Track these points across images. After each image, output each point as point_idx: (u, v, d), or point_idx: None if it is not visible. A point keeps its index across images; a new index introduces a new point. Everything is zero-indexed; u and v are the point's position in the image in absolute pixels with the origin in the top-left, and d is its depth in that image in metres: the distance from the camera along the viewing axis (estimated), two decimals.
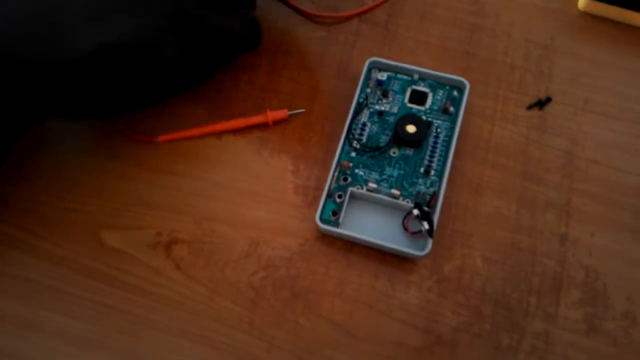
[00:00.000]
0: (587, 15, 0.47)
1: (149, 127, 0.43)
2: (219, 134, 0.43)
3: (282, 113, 0.43)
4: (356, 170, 0.41)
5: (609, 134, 0.43)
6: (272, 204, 0.41)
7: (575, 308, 0.38)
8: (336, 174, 0.40)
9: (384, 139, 0.42)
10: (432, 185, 0.40)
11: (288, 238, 0.40)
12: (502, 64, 0.45)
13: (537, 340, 0.37)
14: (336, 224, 0.39)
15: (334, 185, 0.40)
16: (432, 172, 0.40)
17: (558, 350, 0.37)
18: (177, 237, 0.40)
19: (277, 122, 0.43)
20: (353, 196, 0.40)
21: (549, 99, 0.44)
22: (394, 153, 0.41)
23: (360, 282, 0.39)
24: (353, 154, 0.41)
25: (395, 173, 0.40)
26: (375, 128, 0.42)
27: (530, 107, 0.44)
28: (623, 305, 0.38)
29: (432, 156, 0.41)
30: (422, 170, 0.40)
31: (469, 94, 0.43)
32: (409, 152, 0.41)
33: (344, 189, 0.40)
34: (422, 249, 0.38)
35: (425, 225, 0.36)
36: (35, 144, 0.43)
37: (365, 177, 0.40)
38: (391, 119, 0.42)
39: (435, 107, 0.42)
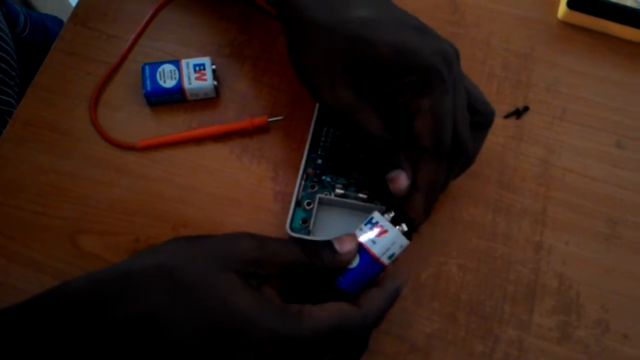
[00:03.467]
0: (566, 25, 0.47)
1: (128, 132, 0.43)
2: (199, 141, 0.43)
3: (261, 120, 0.43)
4: (323, 177, 0.41)
5: (585, 143, 0.43)
6: (251, 211, 0.41)
7: (548, 316, 0.38)
8: (303, 182, 0.40)
9: (349, 144, 0.41)
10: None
11: None
12: (480, 72, 0.46)
13: (511, 347, 0.38)
14: (307, 231, 0.39)
15: (302, 193, 0.40)
16: None
17: (531, 358, 0.37)
18: (155, 243, 0.40)
19: (257, 129, 0.43)
20: (322, 202, 0.40)
21: (526, 108, 0.44)
22: (360, 156, 0.41)
23: None
24: (319, 161, 0.41)
25: (362, 177, 0.40)
26: (338, 133, 0.42)
27: (507, 116, 0.44)
28: (596, 313, 0.38)
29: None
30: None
31: None
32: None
33: (312, 196, 0.40)
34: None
35: (404, 227, 0.35)
36: (10, 148, 0.43)
37: (332, 183, 0.40)
38: None
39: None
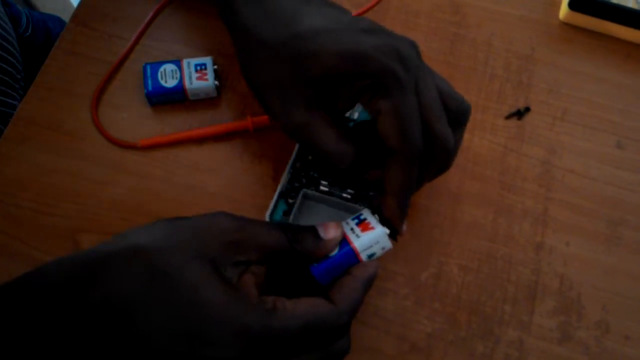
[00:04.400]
0: (567, 26, 0.48)
1: (129, 132, 0.43)
2: (200, 140, 0.43)
3: (263, 119, 0.43)
4: (311, 172, 0.40)
5: (586, 144, 0.43)
6: (252, 211, 0.41)
7: (549, 317, 0.38)
8: (290, 175, 0.40)
9: None
10: (381, 193, 0.39)
11: None
12: (482, 73, 0.46)
13: (511, 348, 0.38)
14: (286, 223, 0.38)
15: (287, 185, 0.40)
16: (382, 181, 0.39)
17: (532, 359, 0.37)
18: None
19: (259, 129, 0.43)
20: (306, 197, 0.40)
21: (527, 109, 0.44)
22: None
23: None
24: (310, 157, 0.41)
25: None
26: None
27: (509, 117, 0.44)
28: (597, 314, 0.38)
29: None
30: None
31: None
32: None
33: (297, 190, 0.40)
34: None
35: (387, 230, 0.34)
36: (12, 147, 0.43)
37: (318, 179, 0.40)
38: (350, 124, 0.41)
39: None
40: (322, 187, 0.39)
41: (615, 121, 0.44)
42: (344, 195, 0.39)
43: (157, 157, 0.43)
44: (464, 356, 0.37)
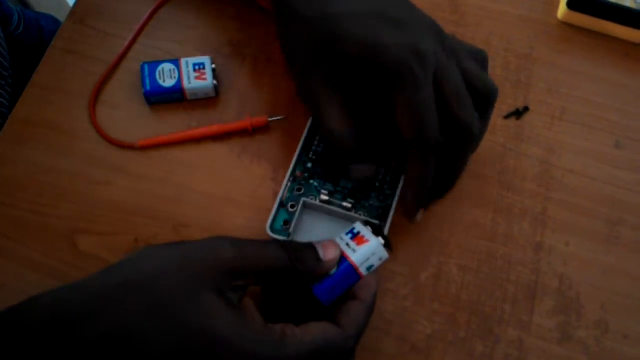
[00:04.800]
0: (566, 25, 0.48)
1: (127, 131, 0.43)
2: (198, 140, 0.43)
3: (262, 119, 0.43)
4: (311, 181, 0.40)
5: (585, 144, 0.43)
6: (251, 211, 0.41)
7: (549, 316, 0.38)
8: (289, 183, 0.40)
9: None
10: (385, 199, 0.39)
11: None
12: None
13: (511, 348, 0.38)
14: (287, 234, 0.38)
15: (287, 194, 0.39)
16: (386, 186, 0.40)
17: (531, 358, 0.37)
18: (154, 243, 0.40)
19: (258, 129, 0.43)
20: (306, 206, 0.40)
21: (526, 109, 0.44)
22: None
23: None
24: (309, 165, 0.40)
25: (350, 186, 0.40)
26: None
27: (508, 117, 0.44)
28: (596, 314, 0.39)
29: (386, 170, 0.40)
30: (376, 183, 0.40)
31: None
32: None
33: (297, 199, 0.39)
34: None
35: (381, 240, 0.34)
36: (8, 147, 0.42)
37: (319, 188, 0.40)
38: None
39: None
40: (322, 197, 0.39)
41: (614, 121, 0.44)
42: (344, 204, 0.39)
43: (156, 157, 0.42)
44: (463, 356, 0.37)
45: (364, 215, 0.39)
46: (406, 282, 0.39)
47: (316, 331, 0.30)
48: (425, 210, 0.38)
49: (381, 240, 0.33)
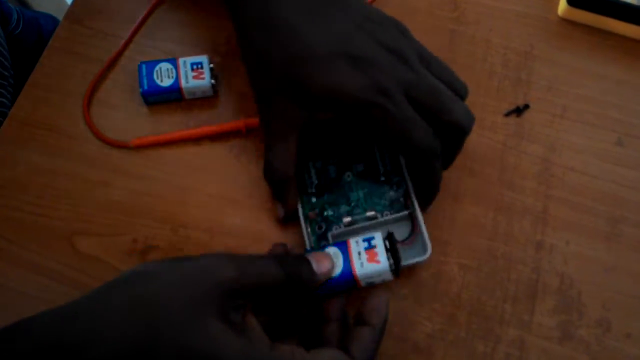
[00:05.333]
0: (566, 22, 0.47)
1: (125, 131, 0.43)
2: (197, 140, 0.43)
3: (255, 121, 0.42)
4: (325, 213, 0.39)
5: (585, 141, 0.43)
6: (250, 211, 0.41)
7: (550, 315, 0.38)
8: (309, 229, 0.39)
9: (332, 169, 0.40)
10: (399, 186, 0.39)
11: (265, 245, 0.39)
12: (480, 70, 0.45)
13: (512, 347, 0.37)
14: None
15: (313, 240, 0.38)
16: (393, 175, 0.40)
17: (532, 358, 0.37)
18: (153, 244, 0.40)
19: (252, 129, 0.43)
20: (336, 237, 0.39)
21: (526, 106, 0.44)
22: (349, 177, 0.40)
23: None
24: (314, 200, 0.40)
25: (361, 194, 0.39)
26: (319, 165, 0.40)
27: (508, 114, 0.44)
28: (597, 313, 0.38)
29: (384, 161, 0.40)
30: (382, 178, 0.40)
31: None
32: (361, 167, 0.40)
33: (324, 237, 0.38)
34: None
35: (390, 260, 0.34)
36: (6, 148, 0.42)
37: (337, 215, 0.39)
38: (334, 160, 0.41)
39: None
40: (345, 220, 0.39)
41: (615, 118, 0.44)
42: (368, 214, 0.39)
43: (154, 157, 0.42)
44: (464, 356, 0.37)
45: (391, 214, 0.38)
46: (406, 281, 0.39)
47: (326, 357, 0.30)
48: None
49: (391, 265, 0.34)
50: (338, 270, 0.33)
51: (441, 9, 0.47)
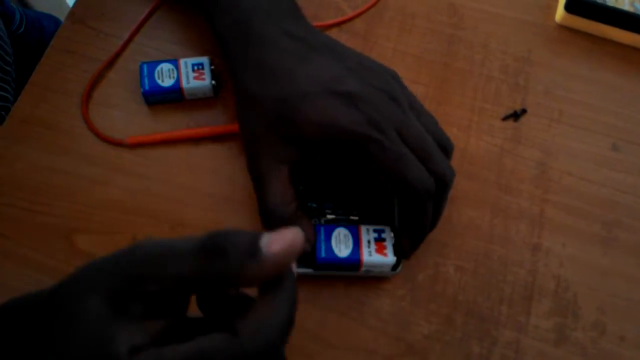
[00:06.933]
0: (564, 28, 0.48)
1: (125, 131, 0.43)
2: (196, 140, 0.43)
3: None
4: (309, 203, 0.39)
5: (582, 146, 0.43)
6: (250, 211, 0.41)
7: (545, 318, 0.38)
8: None
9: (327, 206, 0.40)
10: (385, 202, 0.39)
11: None
12: (478, 75, 0.46)
13: (508, 349, 0.38)
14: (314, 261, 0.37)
15: None
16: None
17: None
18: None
19: None
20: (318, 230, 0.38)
21: (524, 111, 0.45)
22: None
23: (334, 289, 0.39)
24: (301, 187, 0.39)
25: (348, 199, 0.40)
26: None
27: (505, 119, 0.44)
28: (593, 315, 0.39)
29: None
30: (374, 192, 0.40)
31: (445, 104, 0.44)
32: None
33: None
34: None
35: (395, 261, 0.36)
36: (6, 146, 0.42)
37: (319, 208, 0.39)
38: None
39: None
40: (328, 216, 0.39)
41: (611, 123, 0.44)
42: (352, 218, 0.39)
43: (153, 156, 0.42)
44: (460, 357, 0.37)
45: (372, 224, 0.38)
46: (403, 282, 0.39)
47: (195, 341, 0.24)
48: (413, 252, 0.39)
49: (394, 262, 0.36)
50: (347, 251, 0.35)
51: (440, 14, 0.48)
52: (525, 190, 0.42)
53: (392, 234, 0.37)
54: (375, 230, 0.36)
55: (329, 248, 0.36)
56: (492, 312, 0.38)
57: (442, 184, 0.35)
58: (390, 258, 0.35)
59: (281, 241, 0.24)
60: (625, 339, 0.38)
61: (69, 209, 0.41)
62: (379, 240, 0.36)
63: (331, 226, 0.37)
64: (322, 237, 0.36)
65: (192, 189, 0.41)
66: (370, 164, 0.34)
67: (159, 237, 0.30)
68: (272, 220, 0.36)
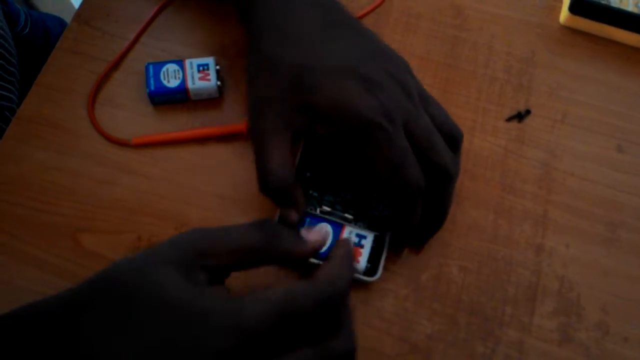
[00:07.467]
0: (567, 29, 0.48)
1: (131, 131, 0.43)
2: (201, 140, 0.43)
3: None
4: (310, 191, 0.40)
5: (585, 147, 0.44)
6: (254, 212, 0.41)
7: (549, 318, 0.39)
8: None
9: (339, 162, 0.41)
10: (384, 209, 0.40)
11: None
12: (482, 76, 0.46)
13: (511, 349, 0.38)
14: None
15: None
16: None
17: None
18: (157, 242, 0.40)
19: None
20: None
21: (528, 112, 0.45)
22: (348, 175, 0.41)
23: None
24: (308, 174, 0.40)
25: (350, 195, 0.40)
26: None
27: (509, 119, 0.44)
28: (596, 316, 0.39)
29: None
30: (375, 194, 0.40)
31: (449, 104, 0.44)
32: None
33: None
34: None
35: (367, 264, 0.37)
36: (13, 146, 0.43)
37: (319, 199, 0.40)
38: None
39: None
40: (324, 208, 0.39)
41: (615, 124, 0.44)
42: (346, 216, 0.39)
43: (158, 156, 0.43)
44: (463, 357, 0.38)
45: (365, 227, 0.39)
46: (407, 282, 0.39)
47: (280, 288, 0.28)
48: (422, 247, 0.40)
49: (366, 268, 0.37)
50: (326, 247, 0.36)
51: (444, 15, 0.48)
52: (529, 190, 0.42)
53: (373, 244, 0.38)
54: (357, 235, 0.37)
55: None
56: (495, 312, 0.39)
57: (446, 175, 0.36)
58: (361, 264, 0.37)
59: (315, 233, 0.34)
60: (629, 339, 0.38)
61: (74, 209, 0.41)
62: (357, 245, 0.37)
63: (318, 220, 0.38)
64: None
65: (197, 189, 0.42)
66: (372, 150, 0.35)
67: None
68: (269, 181, 0.36)
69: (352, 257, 0.34)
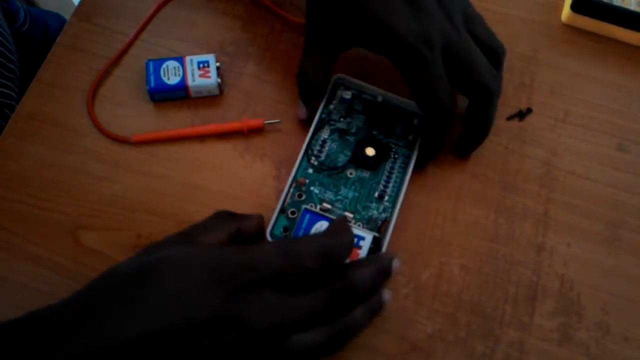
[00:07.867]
0: (569, 28, 0.48)
1: (131, 128, 0.43)
2: (201, 138, 0.43)
3: (257, 122, 0.43)
4: (312, 188, 0.40)
5: (587, 146, 0.43)
6: (254, 209, 0.41)
7: (549, 317, 0.38)
8: (291, 189, 0.40)
9: (342, 159, 0.41)
10: (384, 211, 0.40)
11: None
12: None
13: (512, 348, 0.38)
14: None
15: (288, 200, 0.39)
16: (386, 198, 0.40)
17: (532, 359, 0.37)
18: (157, 239, 0.40)
19: (254, 131, 0.43)
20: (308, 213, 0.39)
21: (529, 110, 0.44)
22: (351, 174, 0.41)
23: None
24: (310, 171, 0.40)
25: (350, 195, 0.40)
26: (335, 146, 0.41)
27: (510, 118, 0.44)
28: (597, 315, 0.39)
29: (387, 182, 0.41)
30: (376, 194, 0.40)
31: None
32: (366, 174, 0.41)
33: (298, 205, 0.39)
34: None
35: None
36: (13, 142, 0.43)
37: (320, 196, 0.40)
38: (351, 138, 0.42)
39: (397, 132, 0.42)
40: (324, 205, 0.39)
41: (616, 123, 0.44)
42: (346, 214, 0.39)
43: (158, 154, 0.42)
44: (464, 356, 0.37)
45: (364, 227, 0.39)
46: (407, 281, 0.39)
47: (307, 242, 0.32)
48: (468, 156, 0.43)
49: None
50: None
51: None
52: (530, 189, 0.42)
53: (371, 245, 0.37)
54: (356, 236, 0.36)
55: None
56: (496, 312, 0.38)
57: (487, 93, 0.38)
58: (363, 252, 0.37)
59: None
60: (629, 339, 0.38)
61: (74, 206, 0.41)
62: (356, 246, 0.37)
63: (318, 217, 0.38)
64: (304, 224, 0.38)
65: (197, 187, 0.42)
66: (408, 73, 0.37)
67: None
68: (301, 82, 0.41)
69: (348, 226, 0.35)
